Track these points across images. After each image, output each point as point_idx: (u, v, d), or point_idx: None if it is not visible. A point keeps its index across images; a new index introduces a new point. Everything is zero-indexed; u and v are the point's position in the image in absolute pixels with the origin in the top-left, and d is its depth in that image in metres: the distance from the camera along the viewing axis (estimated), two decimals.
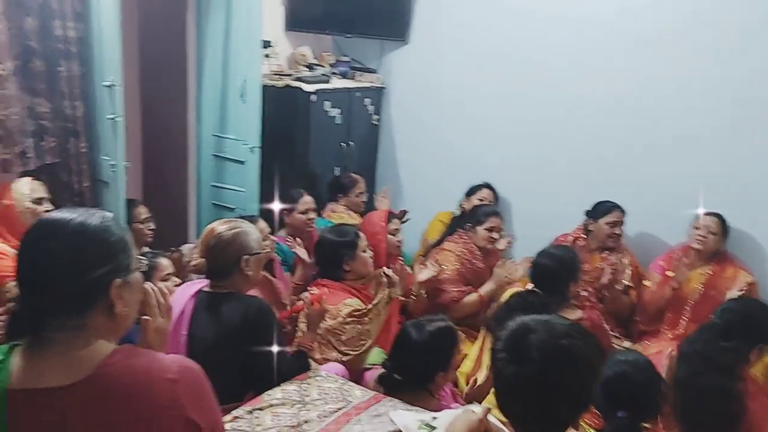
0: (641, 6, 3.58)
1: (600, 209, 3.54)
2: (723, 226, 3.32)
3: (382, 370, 2.31)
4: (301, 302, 2.51)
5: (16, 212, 2.75)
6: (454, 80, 4.21)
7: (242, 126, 3.67)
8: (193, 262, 2.28)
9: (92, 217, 1.11)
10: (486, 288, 3.32)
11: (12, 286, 2.60)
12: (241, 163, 3.72)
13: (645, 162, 3.70)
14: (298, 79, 3.84)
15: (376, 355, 2.50)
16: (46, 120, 2.94)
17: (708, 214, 3.32)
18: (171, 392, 1.08)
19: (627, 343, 3.30)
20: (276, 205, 3.54)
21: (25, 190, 2.78)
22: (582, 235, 3.60)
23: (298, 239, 3.36)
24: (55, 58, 2.91)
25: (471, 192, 4.05)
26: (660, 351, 2.89)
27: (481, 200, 3.96)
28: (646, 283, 3.46)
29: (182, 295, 2.25)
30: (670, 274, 3.36)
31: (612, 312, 3.42)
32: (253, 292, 2.58)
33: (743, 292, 3.14)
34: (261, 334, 2.16)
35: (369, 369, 2.44)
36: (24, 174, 2.86)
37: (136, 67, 4.16)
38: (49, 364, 1.06)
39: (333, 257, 2.80)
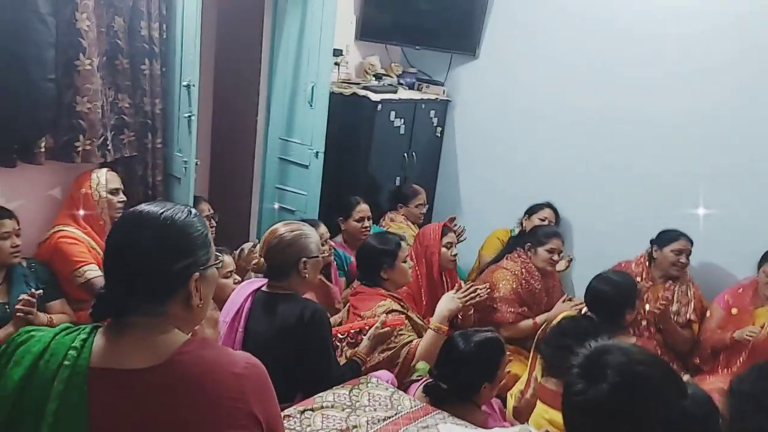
0: (725, 25, 3.49)
1: (666, 237, 3.45)
2: None
3: (428, 381, 2.32)
4: (372, 318, 2.54)
5: (92, 201, 2.90)
6: (521, 97, 4.19)
7: (308, 131, 3.74)
8: (254, 261, 2.34)
9: (179, 212, 1.17)
10: (542, 317, 3.27)
11: (84, 270, 2.75)
12: (305, 167, 3.79)
13: (718, 192, 3.58)
14: (366, 88, 3.89)
15: (423, 368, 2.51)
16: (126, 115, 3.08)
17: None
18: (237, 385, 1.12)
19: (686, 377, 3.19)
20: (336, 211, 3.61)
21: (103, 180, 2.92)
22: (645, 263, 3.51)
23: None
24: (139, 57, 3.05)
25: (532, 211, 4.00)
26: (715, 387, 2.79)
27: (542, 220, 3.92)
28: (708, 314, 3.35)
29: (242, 292, 2.31)
30: (734, 312, 3.24)
31: (671, 345, 3.32)
32: (308, 295, 2.64)
33: None
34: (314, 338, 2.20)
35: (416, 381, 2.44)
36: (102, 165, 3.00)
37: (211, 68, 4.30)
38: (129, 347, 1.12)
39: (372, 263, 2.83)
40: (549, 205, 4.01)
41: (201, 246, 1.17)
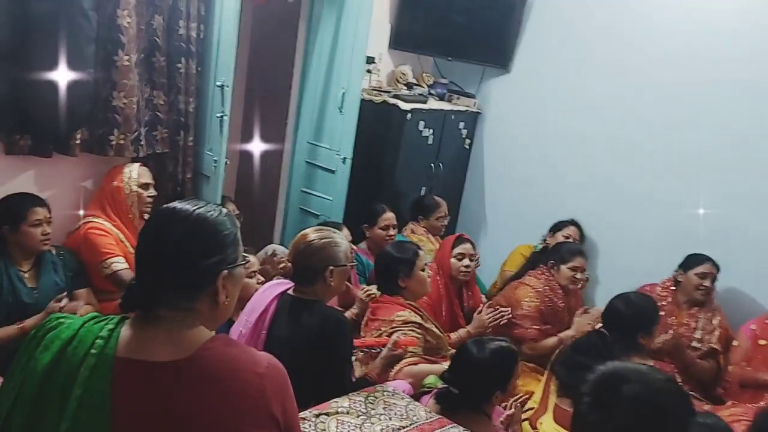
0: (760, 51, 3.46)
1: (691, 260, 3.41)
2: None
3: (440, 389, 2.30)
4: (384, 338, 2.53)
5: (123, 194, 2.95)
6: (551, 114, 4.17)
7: (337, 136, 3.76)
8: (281, 265, 2.35)
9: (211, 210, 1.19)
10: (566, 334, 3.23)
11: (111, 262, 2.80)
12: (332, 172, 3.81)
13: (747, 217, 3.52)
14: (396, 97, 3.91)
15: (432, 381, 2.49)
16: (161, 112, 3.13)
17: None
18: (259, 385, 1.13)
19: (707, 407, 3.13)
20: (361, 218, 3.62)
21: (134, 174, 2.97)
22: (671, 287, 3.46)
23: None
24: (175, 55, 3.10)
25: (557, 228, 3.98)
26: (736, 419, 2.73)
27: (566, 237, 3.88)
28: (734, 344, 3.29)
29: (268, 294, 2.32)
30: (763, 343, 3.17)
31: (692, 374, 3.27)
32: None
33: None
34: (335, 349, 2.19)
35: (428, 392, 2.43)
36: (135, 160, 3.05)
37: (244, 70, 4.35)
38: (156, 340, 1.13)
39: (390, 271, 2.83)
40: (574, 223, 3.98)
41: (230, 244, 1.19)
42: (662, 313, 3.33)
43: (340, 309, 2.75)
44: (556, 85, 4.14)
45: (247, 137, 4.48)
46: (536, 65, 4.21)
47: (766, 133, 3.46)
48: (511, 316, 3.17)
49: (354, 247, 3.33)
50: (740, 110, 3.52)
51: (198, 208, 1.17)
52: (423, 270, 2.87)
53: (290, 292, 2.29)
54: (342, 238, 2.35)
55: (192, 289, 1.15)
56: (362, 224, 3.66)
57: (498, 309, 3.14)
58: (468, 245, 3.34)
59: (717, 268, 3.36)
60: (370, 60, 3.95)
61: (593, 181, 4.06)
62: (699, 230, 3.63)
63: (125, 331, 1.15)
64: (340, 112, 3.73)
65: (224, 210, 1.21)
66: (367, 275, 3.53)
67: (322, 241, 2.25)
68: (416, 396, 2.47)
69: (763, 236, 3.48)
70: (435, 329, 2.81)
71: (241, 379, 1.12)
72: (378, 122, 3.88)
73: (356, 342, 2.61)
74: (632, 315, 2.72)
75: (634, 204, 3.92)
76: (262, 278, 2.84)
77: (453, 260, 3.26)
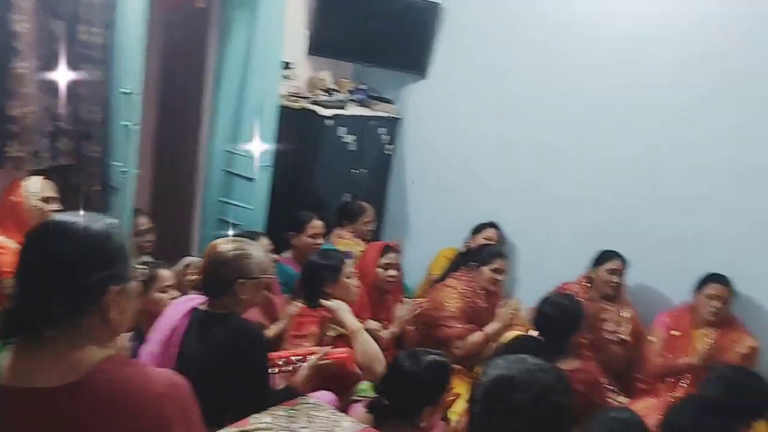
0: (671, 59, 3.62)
1: (601, 257, 3.55)
2: (731, 292, 3.29)
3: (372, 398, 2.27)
4: (318, 347, 2.47)
5: (24, 209, 2.76)
6: (469, 118, 4.24)
7: (255, 144, 3.67)
8: (190, 278, 2.26)
9: (97, 222, 1.12)
10: (491, 327, 3.28)
11: (10, 281, 2.61)
12: (251, 180, 3.72)
13: (655, 216, 3.68)
14: (315, 103, 3.87)
15: (365, 388, 2.46)
16: (63, 122, 2.96)
17: (716, 279, 3.30)
18: (157, 407, 1.07)
19: (622, 398, 3.24)
20: (284, 226, 3.54)
21: (35, 188, 2.79)
22: (585, 284, 3.58)
23: None
24: (77, 62, 2.94)
25: (477, 230, 4.03)
26: (649, 410, 2.83)
27: (486, 239, 3.95)
28: (651, 338, 3.41)
29: (178, 309, 2.22)
30: (675, 333, 3.32)
31: (604, 364, 3.38)
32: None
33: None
34: (252, 360, 2.13)
35: (358, 401, 2.39)
36: (36, 173, 2.87)
37: (155, 77, 4.20)
38: (41, 364, 1.06)
39: (316, 279, 2.79)
40: (493, 225, 4.05)
41: (119, 258, 1.12)
42: None
43: (261, 323, 2.68)
44: (472, 91, 4.21)
45: (161, 146, 4.32)
46: (452, 71, 4.27)
47: (676, 138, 3.62)
48: (428, 309, 3.20)
49: (276, 256, 3.25)
50: (652, 116, 3.67)
51: (81, 221, 1.10)
52: (349, 277, 2.84)
53: (202, 306, 2.20)
54: (256, 248, 2.28)
55: (76, 307, 1.08)
56: (286, 233, 3.59)
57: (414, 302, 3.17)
58: (394, 255, 3.34)
59: (625, 263, 3.50)
60: (286, 65, 3.89)
61: (512, 183, 4.14)
62: (612, 229, 3.77)
63: (8, 357, 1.06)
64: (258, 118, 3.65)
65: (113, 222, 1.15)
66: (292, 285, 3.45)
67: (233, 252, 2.18)
68: (347, 404, 2.44)
69: (671, 235, 3.64)
70: None
71: (138, 400, 1.06)
72: (298, 129, 3.83)
73: (283, 354, 2.55)
74: (562, 317, 2.77)
75: (550, 205, 4.02)
76: (177, 293, 2.72)
77: (379, 270, 3.25)
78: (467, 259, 3.63)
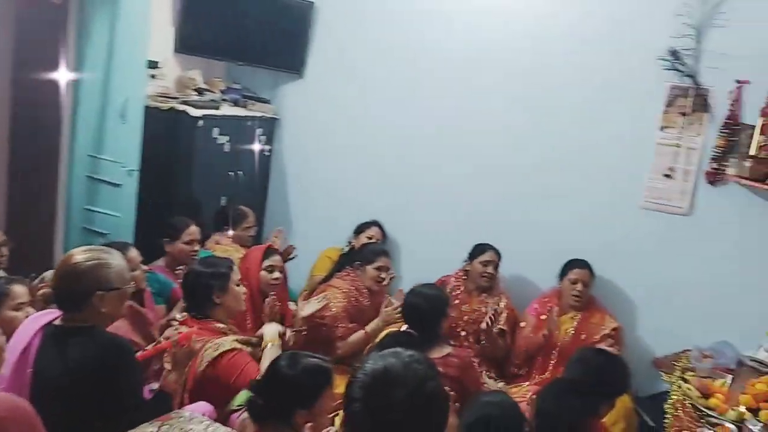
0: (523, 63, 3.82)
1: (476, 250, 3.67)
2: (592, 275, 3.50)
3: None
4: (167, 341, 2.33)
5: None
6: (346, 117, 4.25)
7: (121, 147, 3.47)
8: (40, 291, 2.07)
9: None
10: (372, 325, 3.28)
11: None
12: (118, 186, 3.51)
13: (522, 208, 3.88)
14: (185, 103, 3.70)
15: (245, 396, 2.36)
16: None
17: (578, 265, 3.51)
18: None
19: (501, 384, 3.36)
20: (156, 233, 3.36)
21: None
22: (462, 277, 3.68)
23: None
24: None
25: (360, 229, 4.04)
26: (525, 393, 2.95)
27: (369, 238, 3.96)
28: (522, 325, 3.57)
29: (29, 327, 2.03)
30: (543, 318, 3.48)
31: (488, 354, 3.50)
32: (119, 323, 2.40)
33: (610, 342, 3.32)
34: (114, 376, 1.98)
35: (237, 410, 2.30)
36: None
37: (7, 80, 3.86)
38: None
39: (202, 289, 2.64)
40: (376, 223, 4.08)
41: None
42: (456, 301, 3.55)
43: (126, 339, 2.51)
44: (348, 89, 4.22)
45: (16, 153, 3.98)
46: (328, 70, 4.26)
47: (541, 133, 3.82)
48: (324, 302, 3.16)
49: (145, 267, 3.07)
50: (520, 111, 3.85)
51: None
52: (238, 285, 2.72)
53: (57, 321, 2.02)
54: (115, 257, 2.12)
55: None
56: (159, 240, 3.40)
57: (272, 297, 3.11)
58: (277, 257, 3.26)
59: (499, 255, 3.63)
60: (153, 65, 3.70)
61: (391, 181, 4.19)
62: (486, 222, 3.91)
63: None
64: (123, 120, 3.45)
65: None
66: (167, 295, 3.29)
67: (89, 263, 2.02)
68: (226, 414, 2.33)
69: (540, 226, 3.84)
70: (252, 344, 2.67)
71: None
72: (167, 130, 3.65)
73: (141, 355, 2.41)
74: (429, 306, 2.80)
75: (430, 201, 4.11)
76: (32, 310, 2.49)
77: (263, 273, 3.15)
78: (351, 258, 3.62)
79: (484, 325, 3.39)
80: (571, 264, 3.53)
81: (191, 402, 2.34)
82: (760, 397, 2.51)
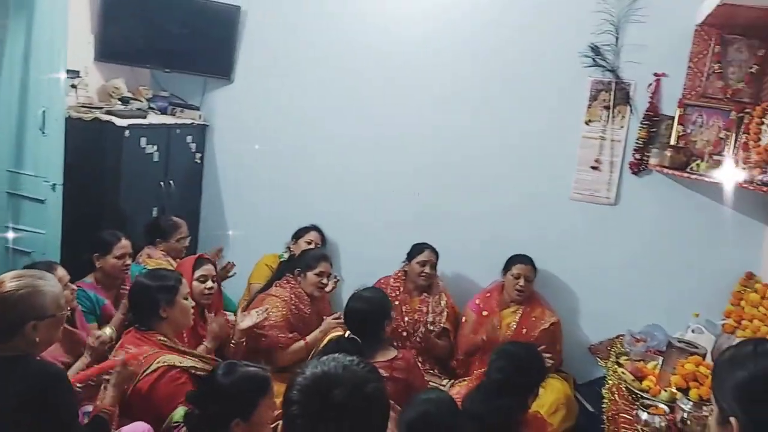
0: (451, 61, 3.88)
1: (413, 250, 3.70)
2: (534, 270, 3.58)
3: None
4: (112, 360, 2.25)
5: None
6: (278, 121, 4.20)
7: (42, 161, 3.31)
8: None
9: None
10: (313, 336, 3.24)
11: None
12: (41, 202, 3.35)
13: (459, 205, 3.95)
14: (109, 113, 3.56)
15: (183, 412, 2.30)
16: None
17: (521, 260, 3.58)
18: None
19: (446, 381, 3.40)
20: (84, 249, 3.23)
21: None
22: (402, 277, 3.70)
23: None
24: None
25: (298, 234, 4.00)
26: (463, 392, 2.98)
27: (309, 243, 3.93)
28: (464, 320, 3.62)
29: None
30: (485, 314, 3.54)
31: (430, 352, 3.53)
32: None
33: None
34: (50, 407, 1.88)
35: (175, 426, 2.23)
36: None
37: None
38: None
39: (148, 303, 2.56)
40: (315, 228, 4.05)
41: None
42: (397, 302, 3.56)
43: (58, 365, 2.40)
44: (278, 93, 4.17)
45: None
46: (258, 74, 4.20)
47: (472, 132, 3.89)
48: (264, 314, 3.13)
49: (74, 286, 2.94)
50: (449, 112, 3.90)
51: None
52: (186, 299, 2.64)
53: None
54: (49, 282, 2.01)
55: None
56: (88, 255, 3.27)
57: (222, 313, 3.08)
58: (210, 266, 3.17)
59: (436, 254, 3.67)
60: (73, 74, 3.56)
61: (328, 184, 4.17)
62: (424, 222, 3.96)
63: None
64: (43, 133, 3.29)
65: None
66: (98, 312, 3.17)
67: (23, 291, 1.91)
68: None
69: (476, 222, 3.91)
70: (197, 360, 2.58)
71: None
72: (91, 142, 3.50)
73: (79, 376, 2.32)
74: (371, 309, 2.80)
75: (367, 203, 4.11)
76: None
77: (195, 283, 3.07)
78: (290, 265, 3.56)
79: (422, 331, 3.42)
80: (514, 259, 3.59)
81: (125, 418, 2.26)
82: (690, 377, 2.62)
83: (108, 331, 2.74)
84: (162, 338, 2.54)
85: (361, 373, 1.33)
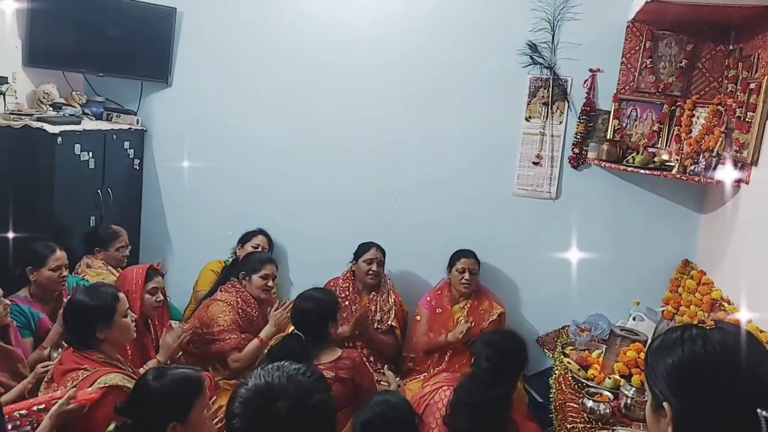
0: (390, 63, 3.89)
1: (360, 249, 3.70)
2: (479, 263, 3.62)
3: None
4: (64, 392, 2.15)
5: None
6: (219, 125, 4.12)
7: None
8: None
9: None
10: (265, 332, 3.20)
11: None
12: None
13: (404, 203, 3.96)
14: (41, 120, 3.43)
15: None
16: None
17: (464, 254, 3.62)
18: None
19: (398, 379, 3.40)
20: (17, 262, 3.09)
21: None
22: (350, 277, 3.69)
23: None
24: None
25: (245, 239, 3.95)
26: (439, 386, 2.98)
27: (255, 247, 3.87)
28: (417, 318, 3.63)
29: None
30: (439, 311, 3.55)
31: (376, 351, 3.53)
32: None
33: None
34: None
35: None
36: None
37: None
38: None
39: (84, 326, 2.41)
40: (262, 232, 4.00)
41: None
42: (346, 302, 3.55)
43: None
44: (218, 96, 4.10)
45: None
46: (196, 77, 4.11)
47: (415, 131, 3.90)
48: (198, 327, 3.11)
49: (6, 301, 2.81)
50: (392, 113, 3.92)
51: None
52: (125, 316, 2.50)
53: None
54: None
55: None
56: (21, 269, 3.13)
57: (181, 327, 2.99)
58: (160, 278, 3.09)
59: (382, 252, 3.69)
60: (1, 80, 3.41)
61: (272, 187, 4.12)
62: (369, 221, 3.95)
63: None
64: None
65: None
66: (34, 327, 3.04)
67: None
68: None
69: (422, 220, 3.93)
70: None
71: None
72: (22, 150, 3.35)
73: (23, 404, 2.20)
74: (319, 309, 2.79)
75: (313, 204, 4.08)
76: None
77: (147, 296, 2.98)
78: (235, 269, 3.50)
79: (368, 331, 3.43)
80: (458, 254, 3.63)
81: None
82: (632, 363, 2.70)
83: (54, 355, 2.64)
84: (101, 356, 2.42)
85: (306, 383, 1.30)
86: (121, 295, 2.54)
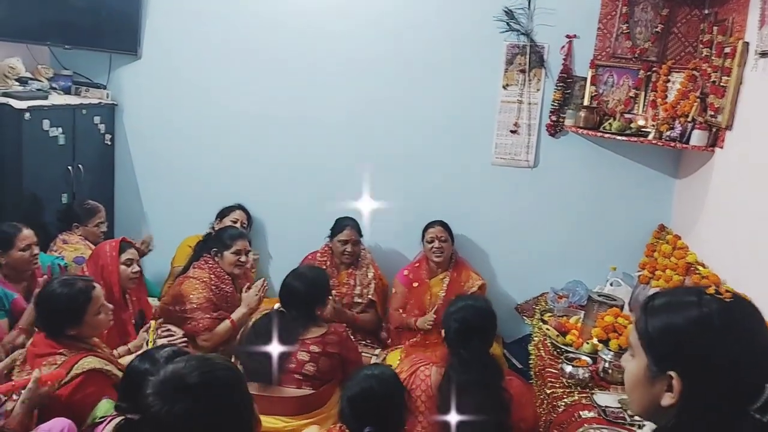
0: (365, 33, 3.83)
1: (335, 227, 3.68)
2: (449, 231, 3.61)
3: (117, 420, 2.03)
4: (27, 378, 2.11)
5: None
6: (191, 97, 4.03)
7: None
8: None
9: None
10: (238, 313, 3.18)
11: None
12: None
13: (383, 176, 3.91)
14: (6, 95, 3.33)
15: (108, 407, 2.19)
16: None
17: (431, 225, 3.63)
18: None
19: (378, 351, 3.42)
20: None
21: None
22: (328, 252, 3.67)
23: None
24: None
25: (223, 214, 3.90)
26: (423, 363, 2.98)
27: (234, 222, 3.82)
28: (393, 291, 3.64)
29: None
30: (416, 285, 3.56)
31: (357, 325, 3.53)
32: None
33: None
34: None
35: (100, 422, 2.13)
36: None
37: None
38: None
39: (53, 322, 2.35)
40: (240, 207, 3.95)
41: None
42: None
43: None
44: (189, 68, 4.00)
45: None
46: (166, 49, 4.00)
47: (392, 102, 3.85)
48: (170, 304, 3.12)
49: None
50: (368, 84, 3.85)
51: None
52: (99, 313, 2.40)
53: None
54: None
55: None
56: None
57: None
58: (134, 250, 3.06)
59: (358, 229, 3.67)
60: None
61: (247, 161, 4.06)
62: (346, 197, 3.91)
63: None
64: None
65: None
66: (8, 307, 2.99)
67: None
68: (88, 429, 2.16)
69: (401, 192, 3.90)
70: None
71: None
72: None
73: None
74: (308, 290, 2.78)
75: (290, 178, 4.04)
76: None
77: (122, 267, 2.95)
78: (208, 245, 3.45)
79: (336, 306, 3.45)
80: (427, 226, 3.63)
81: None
82: (609, 328, 2.73)
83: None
84: (76, 342, 2.36)
85: (226, 379, 1.41)
86: (96, 291, 2.42)
